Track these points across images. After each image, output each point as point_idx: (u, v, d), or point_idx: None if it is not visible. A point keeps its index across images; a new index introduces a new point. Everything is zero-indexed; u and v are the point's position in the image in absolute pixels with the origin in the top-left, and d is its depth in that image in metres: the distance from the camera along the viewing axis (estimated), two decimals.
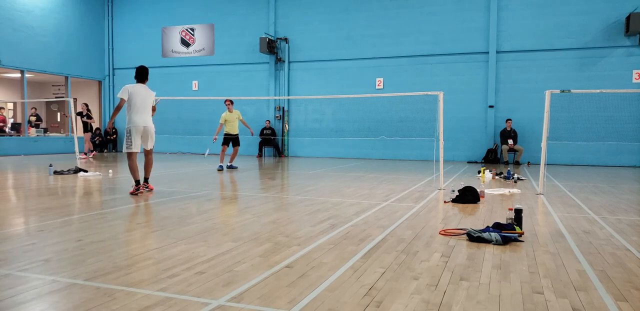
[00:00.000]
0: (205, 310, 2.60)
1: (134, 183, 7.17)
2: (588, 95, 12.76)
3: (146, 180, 7.46)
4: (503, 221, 4.92)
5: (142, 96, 7.16)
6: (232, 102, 11.70)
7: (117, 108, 7.02)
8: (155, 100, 7.62)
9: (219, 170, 11.45)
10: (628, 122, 14.18)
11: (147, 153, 7.47)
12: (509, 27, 15.51)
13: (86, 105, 15.79)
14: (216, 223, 5.02)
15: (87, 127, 15.64)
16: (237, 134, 11.81)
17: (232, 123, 11.63)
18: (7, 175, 10.23)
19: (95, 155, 16.84)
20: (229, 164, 11.99)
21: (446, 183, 8.91)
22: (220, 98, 17.26)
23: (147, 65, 7.41)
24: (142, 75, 7.28)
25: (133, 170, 7.18)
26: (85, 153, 15.61)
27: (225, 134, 11.69)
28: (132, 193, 7.03)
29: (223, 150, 11.68)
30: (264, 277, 3.17)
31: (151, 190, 7.42)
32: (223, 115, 11.61)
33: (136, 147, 7.15)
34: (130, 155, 7.18)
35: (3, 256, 3.62)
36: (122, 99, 7.00)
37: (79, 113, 15.64)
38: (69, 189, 7.86)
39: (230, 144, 11.82)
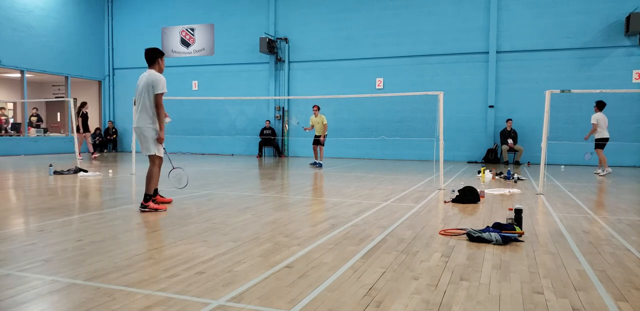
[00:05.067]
0: (205, 310, 2.60)
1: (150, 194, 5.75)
2: (588, 95, 12.74)
3: (145, 197, 5.76)
4: (503, 221, 4.92)
5: (139, 87, 5.84)
6: (318, 108, 13.06)
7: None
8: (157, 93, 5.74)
9: (311, 164, 13.10)
10: (628, 122, 14.18)
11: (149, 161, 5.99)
12: (509, 27, 15.50)
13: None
14: (216, 223, 5.02)
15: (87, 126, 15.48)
16: (319, 135, 13.20)
17: (316, 125, 13.13)
18: (7, 175, 10.23)
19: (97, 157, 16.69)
20: (317, 161, 13.23)
21: (446, 183, 8.90)
22: (221, 98, 17.34)
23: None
24: (146, 58, 5.97)
25: (148, 179, 5.80)
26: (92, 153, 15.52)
27: (315, 136, 13.26)
28: (143, 209, 5.66)
29: (314, 149, 13.25)
30: (264, 277, 3.17)
31: (150, 210, 5.67)
32: (310, 118, 13.18)
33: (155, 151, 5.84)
34: (152, 160, 5.90)
35: (3, 256, 3.62)
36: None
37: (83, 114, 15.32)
38: (69, 189, 7.85)
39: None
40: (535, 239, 4.42)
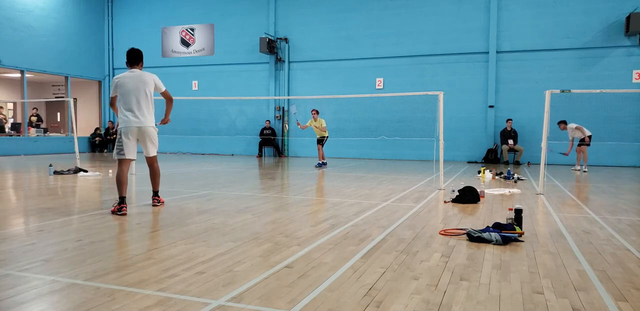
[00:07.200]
0: (205, 310, 2.60)
1: (117, 199, 5.60)
2: (588, 95, 12.75)
3: (155, 193, 6.13)
4: (503, 221, 4.91)
5: (133, 86, 5.60)
6: (317, 112, 13.04)
7: (112, 106, 5.86)
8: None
9: (317, 166, 13.06)
10: (628, 122, 14.18)
11: (150, 162, 6.01)
12: (509, 27, 15.51)
13: None
14: (216, 223, 5.02)
15: None
16: (321, 137, 13.24)
17: (315, 129, 13.18)
18: (7, 175, 10.23)
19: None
20: (319, 162, 13.20)
21: (446, 183, 8.90)
22: (221, 98, 17.36)
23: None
24: (130, 58, 5.77)
25: (119, 183, 5.57)
26: None
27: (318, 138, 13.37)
28: (113, 212, 5.46)
29: (318, 149, 13.24)
30: (264, 277, 3.16)
31: (162, 203, 6.17)
32: (309, 121, 13.21)
33: (129, 154, 5.65)
34: (119, 164, 5.69)
35: (3, 256, 3.62)
36: (111, 98, 5.80)
37: None
38: (69, 189, 7.85)
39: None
40: (535, 239, 4.42)
